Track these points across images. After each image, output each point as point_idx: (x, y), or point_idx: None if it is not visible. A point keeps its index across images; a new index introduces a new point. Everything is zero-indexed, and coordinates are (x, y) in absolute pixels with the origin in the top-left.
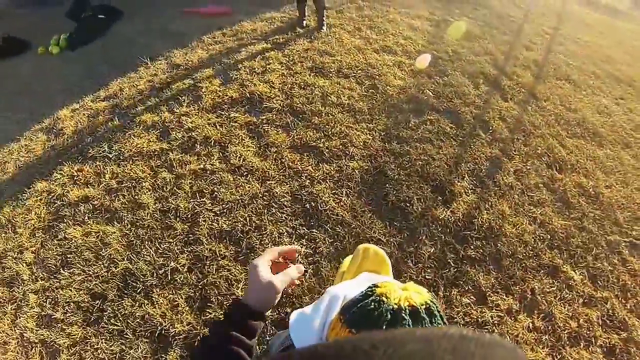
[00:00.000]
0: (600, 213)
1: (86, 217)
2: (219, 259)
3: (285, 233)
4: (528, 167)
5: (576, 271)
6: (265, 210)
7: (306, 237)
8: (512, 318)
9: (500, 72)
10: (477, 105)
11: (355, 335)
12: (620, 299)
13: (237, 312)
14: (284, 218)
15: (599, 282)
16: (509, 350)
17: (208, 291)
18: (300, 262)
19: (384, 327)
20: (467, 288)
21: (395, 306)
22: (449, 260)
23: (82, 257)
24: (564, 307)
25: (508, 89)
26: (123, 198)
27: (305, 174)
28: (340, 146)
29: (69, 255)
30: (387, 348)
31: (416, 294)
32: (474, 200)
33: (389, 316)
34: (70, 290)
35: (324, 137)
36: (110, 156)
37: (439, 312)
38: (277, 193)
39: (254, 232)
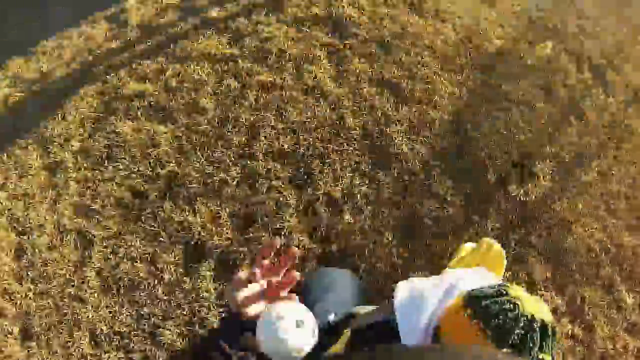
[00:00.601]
0: None
1: (139, 113)
2: (273, 179)
3: (349, 167)
4: (613, 172)
5: (630, 294)
6: (332, 139)
7: (370, 176)
8: (556, 320)
9: (609, 63)
10: (575, 88)
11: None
12: None
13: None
14: (350, 150)
15: None
16: None
17: (255, 210)
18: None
19: (516, 331)
20: (520, 274)
21: (530, 315)
22: (510, 241)
23: (129, 153)
24: (607, 326)
25: (613, 83)
26: (182, 99)
27: (382, 111)
28: (424, 91)
29: (115, 149)
30: None
31: (546, 309)
32: (550, 187)
33: (523, 323)
34: (112, 184)
35: (408, 76)
36: (175, 53)
37: (555, 333)
38: (348, 124)
39: (315, 159)
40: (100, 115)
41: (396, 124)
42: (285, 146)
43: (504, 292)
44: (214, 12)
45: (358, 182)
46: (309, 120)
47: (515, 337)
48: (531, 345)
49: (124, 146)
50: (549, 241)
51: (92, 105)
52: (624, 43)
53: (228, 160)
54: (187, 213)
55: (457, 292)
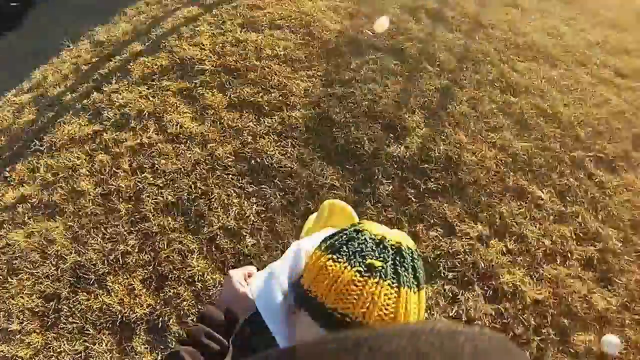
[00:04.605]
0: (560, 131)
1: (26, 218)
2: (169, 232)
3: (234, 194)
4: (481, 94)
5: (543, 190)
6: (210, 174)
7: (256, 194)
8: (484, 244)
9: (443, 4)
10: (420, 39)
11: (337, 334)
12: (590, 211)
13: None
14: (230, 179)
15: (567, 197)
16: (499, 340)
17: (163, 268)
18: None
19: (368, 252)
20: (432, 221)
21: (378, 236)
22: (409, 196)
23: (29, 259)
24: (535, 227)
25: (452, 20)
26: (61, 190)
27: (247, 131)
28: (280, 97)
29: (14, 262)
30: (371, 345)
31: (397, 232)
32: (428, 133)
33: (371, 243)
34: (22, 297)
35: (262, 90)
36: (42, 149)
37: (416, 250)
38: (219, 155)
39: (200, 199)
40: None
41: (264, 137)
42: (170, 197)
43: (349, 226)
44: (68, 96)
45: (247, 204)
46: (184, 166)
47: (370, 257)
48: (398, 265)
49: (22, 255)
50: (447, 180)
51: None
52: None
53: (123, 231)
54: (103, 296)
55: (304, 252)
